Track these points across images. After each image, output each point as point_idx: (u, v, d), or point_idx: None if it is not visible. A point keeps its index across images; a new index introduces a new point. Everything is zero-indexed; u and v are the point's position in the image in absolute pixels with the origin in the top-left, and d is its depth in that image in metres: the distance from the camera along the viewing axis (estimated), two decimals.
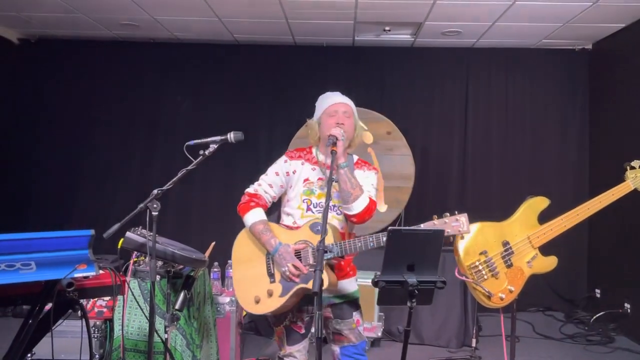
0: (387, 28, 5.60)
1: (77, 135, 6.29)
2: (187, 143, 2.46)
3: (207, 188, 6.25)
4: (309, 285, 2.46)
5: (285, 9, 5.06)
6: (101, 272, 2.17)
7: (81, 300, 2.24)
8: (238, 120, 6.01)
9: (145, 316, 2.86)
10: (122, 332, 2.96)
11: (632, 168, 2.82)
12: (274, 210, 2.92)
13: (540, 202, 2.80)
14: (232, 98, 6.28)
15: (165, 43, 6.28)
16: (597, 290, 5.71)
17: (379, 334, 4.59)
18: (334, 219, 2.61)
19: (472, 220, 2.50)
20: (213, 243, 3.89)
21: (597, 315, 5.21)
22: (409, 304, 2.04)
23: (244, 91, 6.29)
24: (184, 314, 2.94)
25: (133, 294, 2.94)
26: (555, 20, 5.23)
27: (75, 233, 1.98)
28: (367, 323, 4.43)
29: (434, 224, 2.43)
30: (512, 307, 2.85)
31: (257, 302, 2.55)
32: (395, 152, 5.57)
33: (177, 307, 2.73)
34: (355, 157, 2.76)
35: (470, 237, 2.68)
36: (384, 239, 2.24)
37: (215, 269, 4.03)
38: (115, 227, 2.26)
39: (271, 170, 2.76)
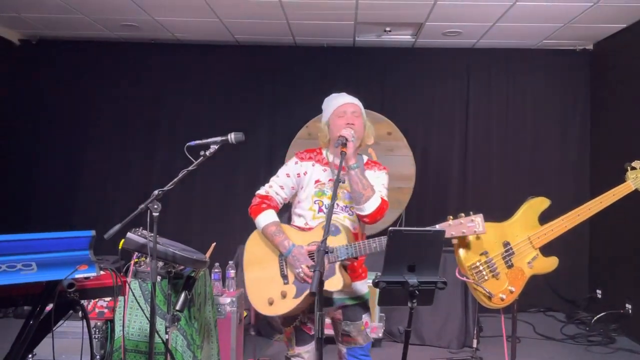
0: (387, 29, 5.60)
1: (77, 135, 6.30)
2: (187, 144, 2.45)
3: (207, 189, 6.26)
4: (324, 286, 2.46)
5: (286, 9, 5.06)
6: (102, 272, 2.17)
7: (82, 301, 2.24)
8: (239, 121, 6.03)
9: (146, 317, 2.86)
10: (123, 332, 2.96)
11: (633, 168, 2.82)
12: (283, 212, 2.91)
13: (541, 203, 2.80)
14: (233, 99, 6.29)
15: (166, 44, 6.29)
16: (598, 291, 5.71)
17: (380, 335, 4.59)
18: (347, 220, 2.61)
19: None
20: (214, 244, 3.89)
21: (598, 316, 5.20)
22: (409, 304, 2.04)
23: (245, 92, 6.30)
24: (184, 315, 2.94)
25: (134, 295, 2.94)
26: (556, 21, 5.23)
27: (76, 234, 1.98)
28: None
29: (449, 224, 2.45)
30: (513, 308, 2.85)
31: (271, 303, 2.54)
32: (396, 153, 5.57)
33: (177, 307, 2.73)
34: (365, 158, 2.76)
35: (471, 237, 2.68)
36: None
37: (216, 270, 4.02)
38: (116, 227, 2.26)
39: (282, 171, 2.74)
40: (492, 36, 5.73)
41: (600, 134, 5.93)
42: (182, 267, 2.82)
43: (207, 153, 2.47)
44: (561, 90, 6.17)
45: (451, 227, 2.45)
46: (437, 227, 2.43)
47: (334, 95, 2.76)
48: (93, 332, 3.25)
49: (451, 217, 2.46)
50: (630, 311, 5.07)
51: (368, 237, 2.52)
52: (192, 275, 2.88)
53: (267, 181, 2.76)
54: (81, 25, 5.71)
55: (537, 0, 4.69)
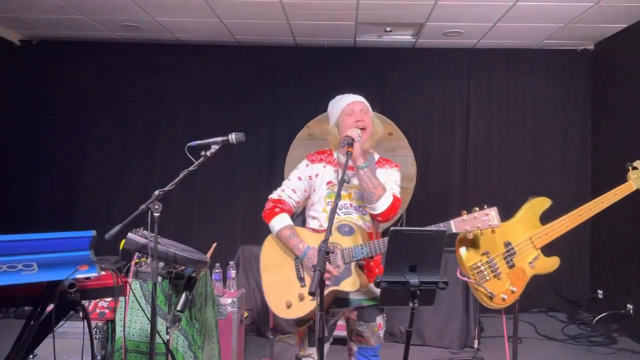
0: (388, 29, 5.60)
1: (78, 136, 6.31)
2: (188, 144, 2.45)
3: (208, 189, 6.25)
4: (341, 287, 2.46)
5: (287, 10, 5.06)
6: (103, 273, 2.16)
7: (83, 302, 2.23)
8: (239, 121, 6.03)
9: (147, 317, 2.86)
10: (124, 333, 2.96)
11: (635, 168, 2.81)
12: (297, 214, 2.92)
13: (542, 203, 2.80)
14: (233, 99, 6.29)
15: (167, 44, 6.29)
16: (600, 291, 5.70)
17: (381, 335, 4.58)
18: (360, 220, 2.62)
19: None
20: (215, 244, 3.89)
21: (600, 316, 5.20)
22: (410, 304, 2.03)
23: (246, 92, 6.30)
24: (185, 315, 2.93)
25: (135, 295, 2.93)
26: (557, 21, 5.22)
27: (76, 234, 1.98)
28: None
29: (464, 219, 2.45)
30: (514, 308, 2.85)
31: (289, 307, 2.54)
32: (397, 153, 5.57)
33: (178, 308, 2.73)
34: (377, 156, 2.76)
35: (472, 237, 2.68)
36: None
37: (216, 270, 4.02)
38: (117, 228, 2.26)
39: (293, 175, 2.75)
40: (493, 36, 5.73)
41: (602, 134, 5.93)
42: (183, 267, 2.82)
43: (208, 153, 2.47)
44: (562, 90, 6.16)
45: (465, 222, 2.46)
46: (452, 222, 2.45)
47: (338, 97, 2.77)
48: (94, 333, 3.25)
49: (465, 211, 2.46)
50: (631, 311, 5.06)
51: (383, 236, 2.52)
52: (193, 275, 2.88)
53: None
54: (81, 25, 5.71)
55: (538, 0, 4.69)
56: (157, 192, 2.32)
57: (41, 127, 6.31)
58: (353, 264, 2.48)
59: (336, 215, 2.59)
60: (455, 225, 2.46)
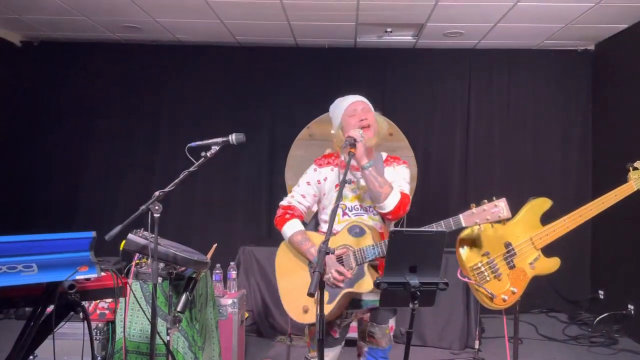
0: (388, 29, 5.60)
1: (79, 137, 6.31)
2: (188, 145, 2.46)
3: (209, 190, 6.26)
4: (355, 288, 2.47)
5: (287, 10, 5.06)
6: (103, 274, 2.16)
7: (83, 303, 2.23)
8: (240, 122, 6.03)
9: (147, 318, 2.86)
10: (124, 334, 2.96)
11: (635, 169, 2.80)
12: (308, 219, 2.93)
13: (542, 203, 2.79)
14: (234, 100, 6.29)
15: (167, 45, 6.30)
16: (601, 292, 5.70)
17: None
18: (371, 220, 2.62)
19: None
20: (215, 245, 3.89)
21: (601, 317, 5.19)
22: (411, 305, 2.03)
23: (246, 93, 6.30)
24: (186, 316, 2.93)
25: (135, 296, 2.94)
26: (558, 21, 5.22)
27: (77, 235, 1.98)
28: None
29: (473, 212, 2.44)
30: (515, 309, 2.84)
31: (306, 311, 2.55)
32: (397, 154, 5.50)
33: (179, 309, 2.73)
34: (385, 154, 2.77)
35: (472, 238, 2.67)
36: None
37: (217, 271, 4.02)
38: (117, 229, 2.26)
39: (302, 180, 2.77)
40: (494, 37, 5.73)
41: (602, 135, 5.92)
42: (183, 268, 2.82)
43: (208, 154, 2.47)
44: (563, 90, 6.16)
45: (474, 215, 2.44)
46: (461, 216, 2.44)
47: (339, 99, 2.77)
48: (94, 334, 3.25)
49: (474, 204, 2.44)
50: (632, 312, 5.05)
51: None
52: (194, 276, 2.88)
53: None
54: (82, 26, 5.71)
55: (538, 1, 4.69)
56: (157, 193, 2.32)
57: (42, 127, 6.31)
58: (366, 264, 2.48)
59: (347, 217, 2.62)
60: (464, 219, 2.44)
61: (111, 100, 6.33)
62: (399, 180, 2.62)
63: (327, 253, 2.03)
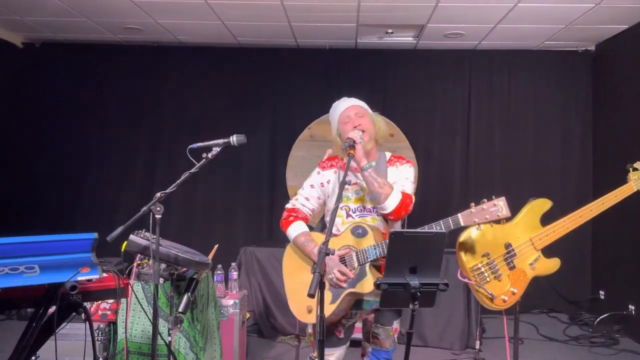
0: (389, 30, 5.60)
1: (80, 138, 6.32)
2: (190, 146, 2.47)
3: (210, 191, 6.27)
4: (357, 289, 2.48)
5: (288, 12, 5.07)
6: (105, 275, 2.17)
7: (85, 303, 2.24)
8: (241, 123, 6.03)
9: (149, 319, 2.86)
10: (126, 334, 2.97)
11: (635, 169, 2.81)
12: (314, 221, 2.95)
13: (542, 204, 2.80)
14: (235, 101, 6.30)
15: (169, 46, 6.31)
16: (601, 292, 5.70)
17: None
18: (375, 221, 2.63)
19: None
20: (216, 245, 3.90)
21: (601, 317, 5.19)
22: (411, 306, 2.04)
23: (247, 94, 6.31)
24: (187, 317, 2.94)
25: (137, 297, 2.94)
26: (558, 22, 5.23)
27: (78, 236, 1.99)
28: None
29: (472, 212, 2.43)
30: (515, 309, 2.85)
31: (310, 311, 2.56)
32: (399, 154, 5.57)
33: (180, 309, 2.74)
34: (388, 155, 2.77)
35: (472, 239, 2.68)
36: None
37: (218, 272, 4.03)
38: (119, 230, 2.27)
39: (306, 183, 2.79)
40: (494, 38, 5.73)
41: (603, 135, 5.93)
42: (184, 269, 2.83)
43: (210, 155, 2.48)
44: (563, 91, 6.16)
45: (473, 214, 2.43)
46: (460, 216, 2.43)
47: (335, 104, 2.78)
48: (96, 334, 3.25)
49: (473, 203, 2.44)
50: (633, 312, 5.05)
51: None
52: (195, 277, 2.89)
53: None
54: (84, 28, 5.72)
55: (539, 2, 4.69)
56: (158, 194, 2.33)
57: (43, 128, 6.32)
58: (368, 265, 2.49)
59: (350, 218, 2.64)
60: (463, 218, 2.44)
61: (112, 101, 6.34)
62: (401, 179, 2.63)
63: (327, 254, 2.04)
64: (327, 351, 2.60)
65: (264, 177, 6.30)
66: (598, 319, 5.19)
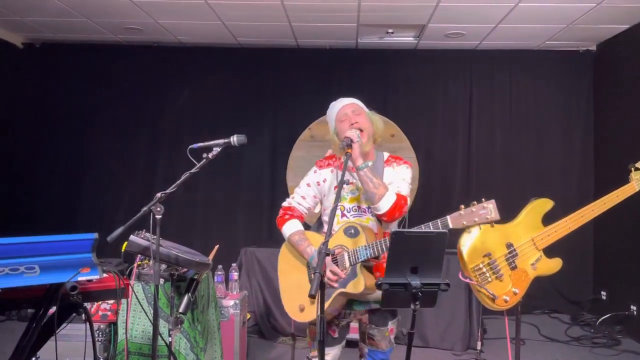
0: (390, 30, 5.60)
1: (81, 138, 6.32)
2: (190, 146, 2.46)
3: (210, 191, 6.26)
4: (348, 289, 2.47)
5: (288, 12, 5.06)
6: (105, 275, 2.16)
7: (85, 304, 2.24)
8: (241, 123, 6.02)
9: (149, 319, 2.86)
10: (126, 335, 2.97)
11: (637, 169, 2.80)
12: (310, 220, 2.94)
13: (544, 204, 2.79)
14: (236, 101, 6.30)
15: (169, 47, 6.31)
16: (603, 292, 5.69)
17: None
18: (369, 221, 2.63)
19: None
20: (217, 246, 3.89)
21: (603, 318, 5.18)
22: (412, 306, 2.03)
23: (247, 94, 6.31)
24: (187, 317, 2.94)
25: (137, 298, 2.94)
26: (559, 22, 5.22)
27: (79, 236, 1.98)
28: None
29: (461, 214, 2.42)
30: (517, 310, 2.83)
31: (302, 310, 2.58)
32: (399, 154, 5.56)
33: (181, 310, 2.73)
34: (386, 155, 2.77)
35: (474, 239, 2.67)
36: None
37: (219, 272, 4.02)
38: (119, 230, 2.27)
39: (303, 182, 2.79)
40: (495, 37, 5.72)
41: (604, 135, 5.92)
42: (185, 269, 2.83)
43: (210, 155, 2.48)
44: (564, 91, 6.15)
45: (462, 217, 2.42)
46: (448, 217, 2.42)
47: (332, 103, 2.79)
48: (96, 335, 3.25)
49: (463, 206, 2.42)
50: (635, 313, 5.04)
51: None
52: (195, 277, 2.89)
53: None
54: (84, 28, 5.72)
55: (540, 2, 4.68)
56: (159, 195, 2.33)
57: (44, 129, 6.32)
58: (358, 265, 2.48)
59: (345, 218, 2.63)
60: (452, 220, 2.41)
61: (113, 101, 6.33)
62: (397, 180, 2.62)
63: (327, 254, 2.03)
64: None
65: (264, 177, 6.29)
66: (600, 320, 5.18)
